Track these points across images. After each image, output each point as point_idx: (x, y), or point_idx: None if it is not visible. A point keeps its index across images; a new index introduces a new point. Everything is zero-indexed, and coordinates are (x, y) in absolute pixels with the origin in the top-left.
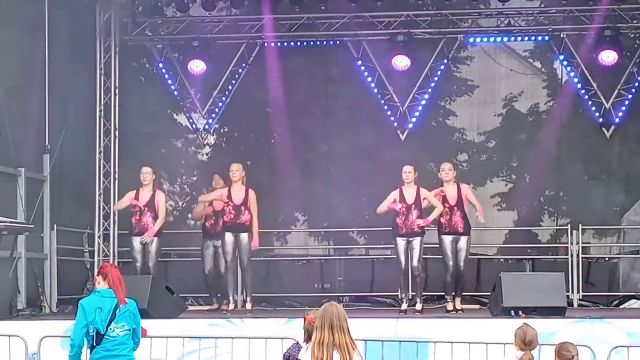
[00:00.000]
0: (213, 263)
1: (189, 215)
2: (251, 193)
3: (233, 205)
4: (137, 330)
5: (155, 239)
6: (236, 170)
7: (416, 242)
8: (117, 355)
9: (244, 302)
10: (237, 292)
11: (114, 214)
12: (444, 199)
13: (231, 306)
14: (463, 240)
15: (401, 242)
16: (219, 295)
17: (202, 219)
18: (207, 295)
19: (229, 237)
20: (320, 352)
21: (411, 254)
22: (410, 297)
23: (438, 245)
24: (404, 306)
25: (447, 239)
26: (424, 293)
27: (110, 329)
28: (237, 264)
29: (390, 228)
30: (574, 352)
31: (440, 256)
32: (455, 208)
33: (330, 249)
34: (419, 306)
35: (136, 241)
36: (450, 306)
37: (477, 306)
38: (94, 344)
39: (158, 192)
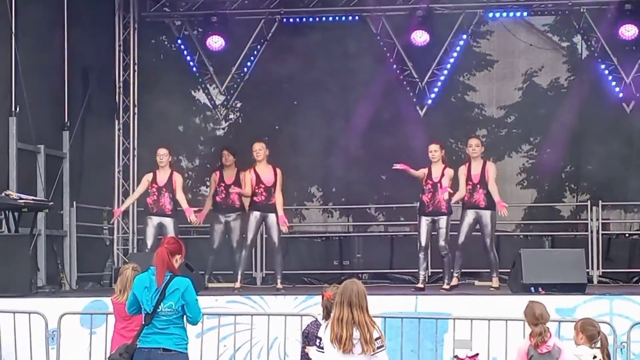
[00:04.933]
0: (223, 238)
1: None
2: (279, 172)
3: (264, 187)
4: (189, 307)
5: (173, 219)
6: (260, 150)
7: (442, 221)
8: (167, 333)
9: (275, 281)
10: (257, 270)
11: (133, 192)
12: (468, 176)
13: (238, 284)
14: (486, 216)
15: (425, 221)
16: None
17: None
18: (229, 272)
19: (255, 215)
20: (340, 329)
21: (438, 233)
22: (429, 274)
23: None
24: (420, 284)
25: (470, 213)
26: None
27: (159, 308)
28: (253, 242)
29: (412, 205)
30: (599, 327)
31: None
32: (478, 185)
33: (349, 226)
34: (447, 286)
35: (152, 220)
36: (454, 281)
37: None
38: (145, 323)
39: (175, 173)
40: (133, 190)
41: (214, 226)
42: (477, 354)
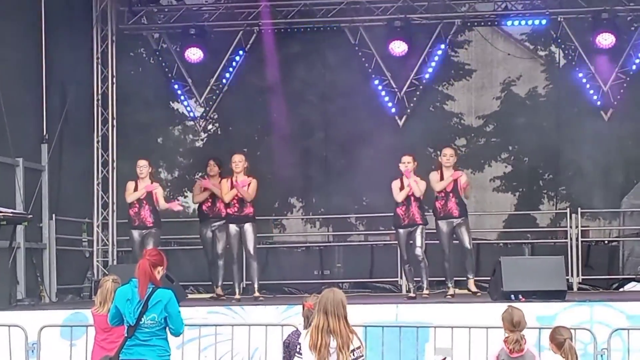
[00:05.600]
0: (212, 247)
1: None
2: (253, 182)
3: (237, 198)
4: (172, 319)
5: (154, 230)
6: (239, 162)
7: (418, 230)
8: (150, 345)
9: (250, 290)
10: (243, 281)
11: (113, 203)
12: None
13: (237, 296)
14: (460, 224)
15: (403, 233)
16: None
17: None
18: (209, 283)
19: (233, 228)
20: (317, 337)
21: (413, 242)
22: (415, 285)
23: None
24: (412, 294)
25: (443, 224)
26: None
27: (142, 320)
28: (241, 255)
29: (391, 215)
30: (566, 335)
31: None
32: (451, 194)
33: (329, 236)
34: (426, 292)
35: (135, 233)
36: (450, 291)
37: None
38: (127, 335)
39: (155, 184)
40: (113, 202)
41: (205, 237)
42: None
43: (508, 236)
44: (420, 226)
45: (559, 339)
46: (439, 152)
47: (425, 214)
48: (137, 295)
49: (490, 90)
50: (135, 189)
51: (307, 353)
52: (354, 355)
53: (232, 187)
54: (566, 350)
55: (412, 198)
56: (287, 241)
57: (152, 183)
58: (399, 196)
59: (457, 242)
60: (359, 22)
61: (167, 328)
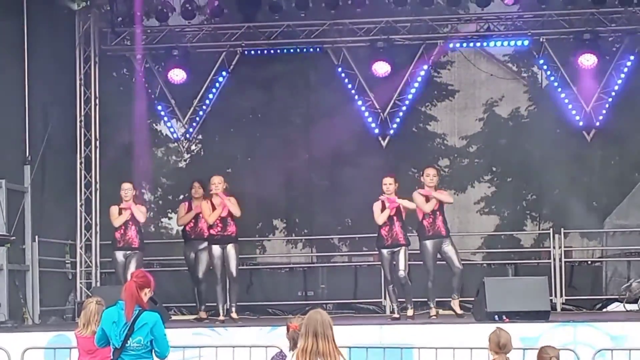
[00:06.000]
0: (195, 269)
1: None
2: (232, 198)
3: (220, 218)
4: (158, 342)
5: (138, 252)
6: (218, 183)
7: (401, 251)
8: None
9: (229, 311)
10: (227, 302)
11: (96, 225)
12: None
13: (221, 317)
14: (447, 242)
15: (386, 254)
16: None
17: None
18: (192, 304)
19: (216, 249)
20: None
21: (397, 262)
22: (398, 306)
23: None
24: (396, 315)
25: (430, 244)
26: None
27: (128, 343)
28: (225, 275)
29: (375, 235)
30: (552, 354)
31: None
32: (438, 212)
33: (313, 257)
34: (410, 312)
35: (119, 255)
36: (433, 312)
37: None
38: (113, 358)
39: (138, 206)
40: (96, 224)
41: (189, 259)
42: None
43: (492, 257)
44: (404, 247)
45: (545, 358)
46: (421, 172)
47: (409, 234)
48: (123, 318)
49: (473, 111)
50: (120, 213)
51: None
52: None
53: (213, 209)
54: None
55: (395, 218)
56: (270, 262)
57: (136, 205)
58: (380, 218)
59: (443, 262)
60: (341, 43)
61: (153, 351)
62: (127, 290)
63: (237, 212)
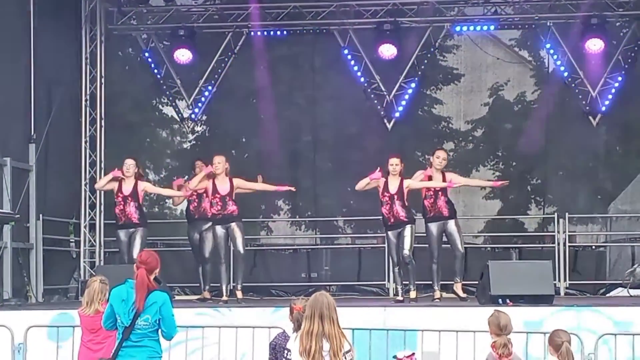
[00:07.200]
0: (200, 249)
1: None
2: (236, 181)
3: (220, 196)
4: (165, 322)
5: (141, 229)
6: (219, 163)
7: (406, 230)
8: (141, 346)
9: (234, 291)
10: (231, 283)
11: (100, 204)
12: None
13: (224, 297)
14: (451, 224)
15: (392, 237)
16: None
17: (180, 204)
18: (196, 284)
19: (219, 230)
20: (309, 342)
21: (402, 242)
22: (403, 288)
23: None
24: (400, 297)
25: (433, 227)
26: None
27: (137, 322)
28: (228, 256)
29: (378, 217)
30: (564, 338)
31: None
32: (440, 192)
33: (317, 238)
34: (413, 294)
35: (122, 234)
36: (437, 295)
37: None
38: (123, 337)
39: (140, 182)
40: (100, 203)
41: (193, 239)
42: (413, 353)
43: (496, 240)
44: (409, 226)
45: (557, 341)
46: (430, 154)
47: (414, 217)
48: (132, 295)
49: (479, 95)
50: (119, 190)
51: (298, 358)
52: (345, 358)
53: (213, 189)
54: (563, 353)
55: (396, 197)
56: (274, 244)
57: (137, 181)
58: (358, 185)
59: (448, 245)
60: (348, 25)
61: (159, 330)
62: (138, 279)
63: (254, 186)
